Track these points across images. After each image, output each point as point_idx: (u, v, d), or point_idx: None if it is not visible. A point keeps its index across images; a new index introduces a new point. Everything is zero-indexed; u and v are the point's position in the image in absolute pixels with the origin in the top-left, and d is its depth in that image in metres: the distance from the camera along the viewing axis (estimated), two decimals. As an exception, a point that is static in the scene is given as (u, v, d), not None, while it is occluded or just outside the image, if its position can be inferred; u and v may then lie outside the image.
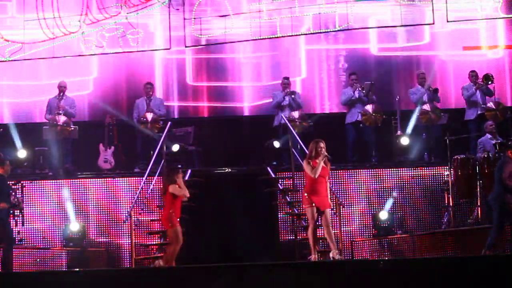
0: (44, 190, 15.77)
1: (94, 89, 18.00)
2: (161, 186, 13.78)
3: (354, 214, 15.73)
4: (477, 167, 14.79)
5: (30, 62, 17.03)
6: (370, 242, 15.46)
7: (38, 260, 14.87)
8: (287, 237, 15.47)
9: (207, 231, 15.38)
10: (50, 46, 16.58)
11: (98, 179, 15.99)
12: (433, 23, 16.97)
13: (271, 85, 17.89)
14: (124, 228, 15.00)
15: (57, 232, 15.55)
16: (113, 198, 15.77)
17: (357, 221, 15.74)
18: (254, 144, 16.92)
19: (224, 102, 18.27)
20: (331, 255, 12.96)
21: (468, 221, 14.92)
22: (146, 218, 15.24)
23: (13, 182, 14.92)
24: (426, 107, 16.88)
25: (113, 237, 15.63)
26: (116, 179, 15.98)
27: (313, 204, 12.96)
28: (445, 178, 15.42)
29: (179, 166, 15.04)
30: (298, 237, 14.78)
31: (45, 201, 15.70)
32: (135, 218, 14.57)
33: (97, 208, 15.72)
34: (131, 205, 14.57)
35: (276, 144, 16.49)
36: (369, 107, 16.82)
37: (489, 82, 16.80)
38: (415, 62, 18.30)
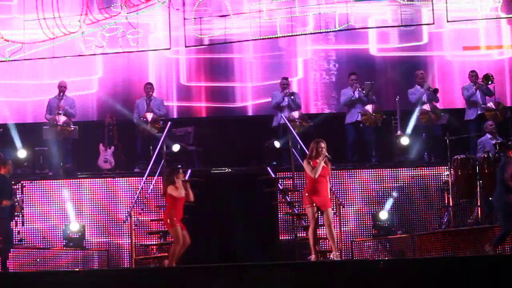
0: (44, 190, 15.76)
1: (99, 88, 17.99)
2: (161, 186, 13.78)
3: (354, 214, 15.71)
4: (477, 167, 14.76)
5: (30, 62, 17.04)
6: (370, 242, 15.46)
7: (38, 260, 14.86)
8: (287, 237, 15.47)
9: (207, 231, 15.37)
10: (50, 46, 16.60)
11: (98, 179, 15.98)
12: (433, 23, 16.98)
13: (271, 84, 17.87)
14: (124, 228, 14.98)
15: (57, 232, 15.54)
16: (113, 198, 15.76)
17: (357, 221, 15.73)
18: (254, 144, 16.90)
19: (224, 102, 18.27)
20: (331, 256, 12.96)
21: (468, 221, 14.90)
22: (146, 218, 15.23)
23: (13, 182, 14.91)
24: (426, 107, 16.87)
25: (113, 237, 15.62)
26: (116, 179, 15.97)
27: (314, 204, 12.96)
28: (445, 178, 15.40)
29: (179, 166, 15.03)
30: (298, 237, 14.79)
31: (45, 201, 15.70)
32: (135, 218, 14.57)
33: (97, 208, 15.71)
34: (131, 205, 14.57)
35: (277, 144, 16.48)
36: (369, 107, 16.82)
37: (489, 82, 16.78)
38: (415, 62, 18.29)
